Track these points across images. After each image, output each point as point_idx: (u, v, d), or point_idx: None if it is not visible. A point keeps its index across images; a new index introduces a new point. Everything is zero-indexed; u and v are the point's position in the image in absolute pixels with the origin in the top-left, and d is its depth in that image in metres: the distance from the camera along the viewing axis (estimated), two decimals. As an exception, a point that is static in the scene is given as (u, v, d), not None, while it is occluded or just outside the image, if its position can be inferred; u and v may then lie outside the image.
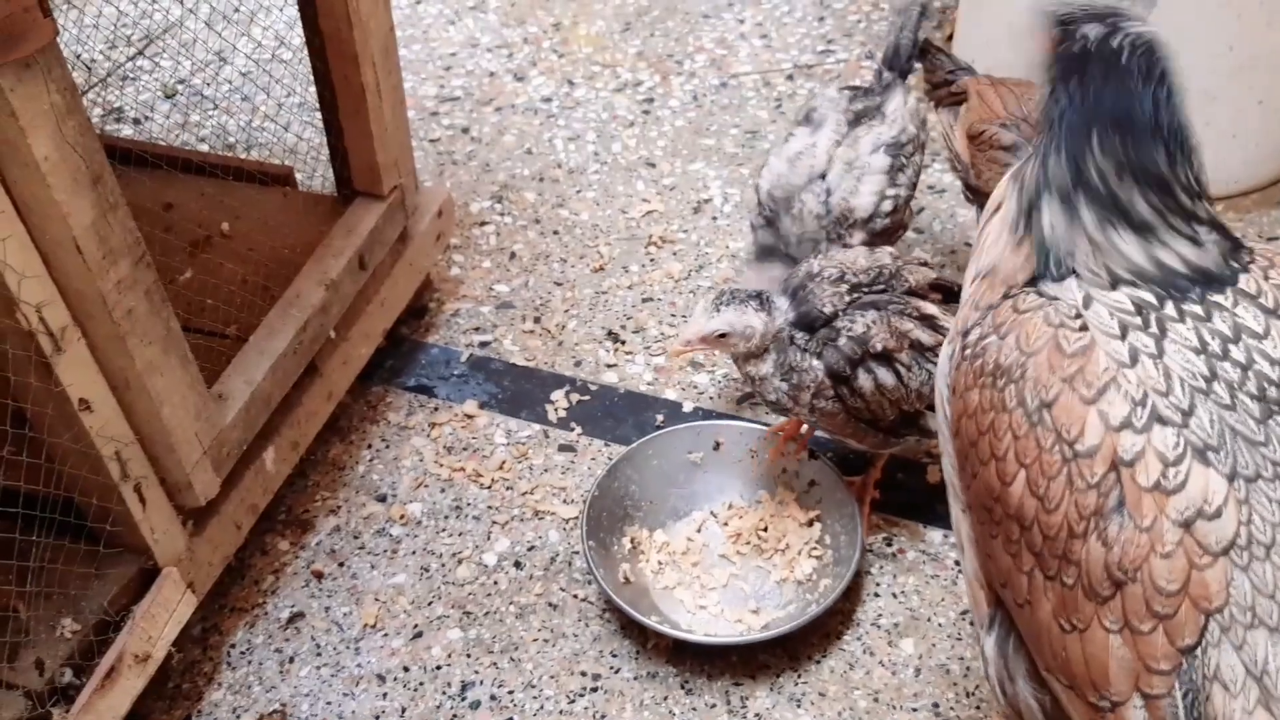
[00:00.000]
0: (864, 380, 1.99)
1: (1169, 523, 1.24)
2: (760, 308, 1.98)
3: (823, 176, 2.30)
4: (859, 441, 2.12)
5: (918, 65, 2.55)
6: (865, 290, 2.04)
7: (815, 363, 1.99)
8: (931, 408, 2.04)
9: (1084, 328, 1.32)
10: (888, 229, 2.33)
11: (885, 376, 1.99)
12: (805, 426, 2.27)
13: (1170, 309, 1.32)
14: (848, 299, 2.01)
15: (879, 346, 1.97)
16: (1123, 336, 1.30)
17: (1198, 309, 1.32)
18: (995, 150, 2.34)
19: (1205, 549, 1.23)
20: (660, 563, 2.18)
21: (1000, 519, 1.38)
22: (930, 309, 2.04)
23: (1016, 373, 1.35)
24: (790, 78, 3.44)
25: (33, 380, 1.58)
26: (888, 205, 2.30)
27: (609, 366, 2.60)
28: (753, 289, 2.02)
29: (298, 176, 2.63)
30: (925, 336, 2.01)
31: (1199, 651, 1.23)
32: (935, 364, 1.97)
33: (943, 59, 2.58)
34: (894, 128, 2.35)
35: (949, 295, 2.10)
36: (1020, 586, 1.37)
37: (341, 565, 2.24)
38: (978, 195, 2.42)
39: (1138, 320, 1.31)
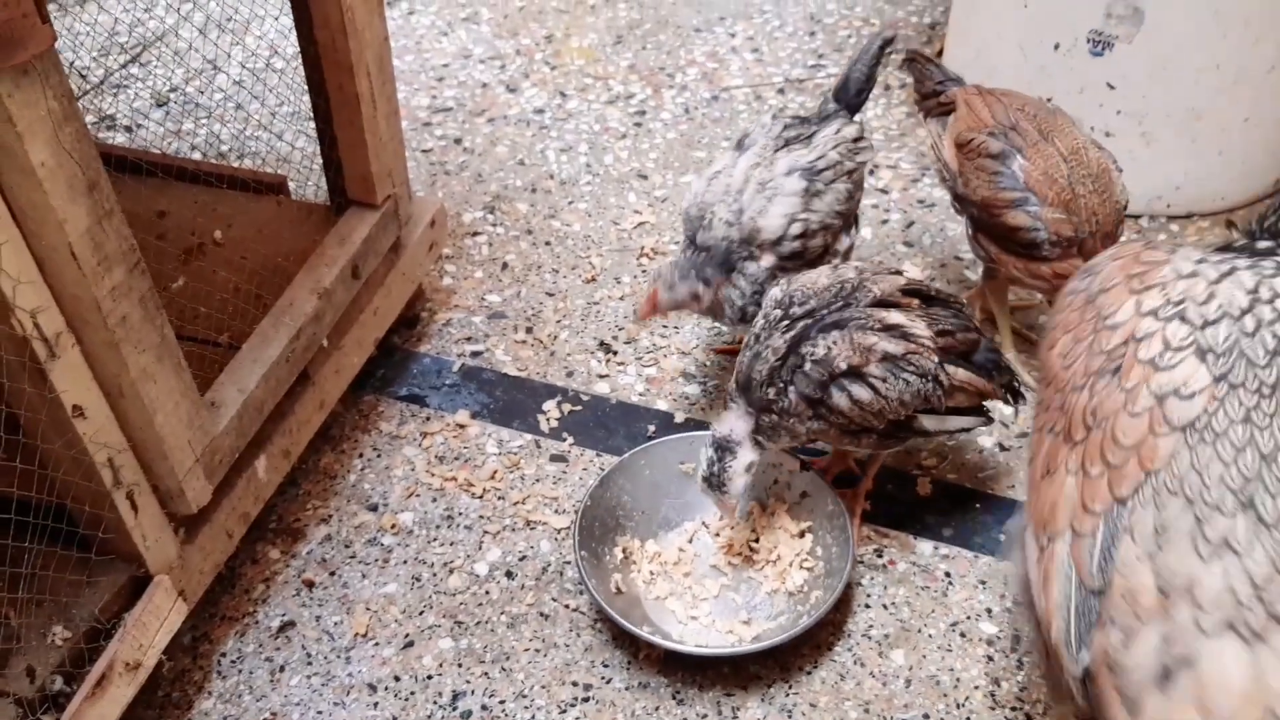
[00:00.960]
0: (839, 399, 2.00)
1: (1147, 391, 1.44)
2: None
3: (740, 194, 2.27)
4: (858, 448, 2.13)
5: (868, 98, 2.52)
6: (825, 311, 2.03)
7: (790, 390, 2.01)
8: (924, 410, 2.05)
9: (1168, 254, 1.57)
10: (799, 253, 2.27)
11: (859, 392, 2.00)
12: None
13: (1244, 262, 1.52)
14: (785, 346, 2.01)
15: (843, 365, 1.98)
16: (1195, 266, 1.53)
17: (1268, 267, 1.50)
18: (983, 159, 2.36)
19: (1167, 421, 1.41)
20: (652, 573, 2.18)
21: (1041, 388, 1.65)
22: (895, 318, 2.02)
23: (1098, 269, 1.63)
24: (781, 91, 3.46)
25: (26, 386, 1.57)
26: (797, 228, 2.25)
27: (601, 377, 2.61)
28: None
29: (291, 185, 2.63)
30: (892, 346, 2.00)
31: (1128, 504, 1.40)
32: (913, 373, 1.99)
33: (932, 69, 2.60)
34: (813, 153, 2.30)
35: (926, 299, 2.11)
36: (1034, 449, 1.61)
37: (332, 574, 2.23)
38: (966, 204, 2.43)
39: (1215, 260, 1.53)
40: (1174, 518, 1.37)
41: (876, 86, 3.42)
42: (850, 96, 2.44)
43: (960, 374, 2.06)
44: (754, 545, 2.22)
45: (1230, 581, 1.33)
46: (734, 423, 2.06)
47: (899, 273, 2.12)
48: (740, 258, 2.25)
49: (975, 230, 2.43)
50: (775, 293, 2.08)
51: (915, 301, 2.07)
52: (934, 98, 2.57)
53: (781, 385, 2.01)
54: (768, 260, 2.24)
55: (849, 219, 2.38)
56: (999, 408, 2.42)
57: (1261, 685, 1.29)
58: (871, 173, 3.13)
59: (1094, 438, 1.46)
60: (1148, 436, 1.41)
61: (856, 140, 2.36)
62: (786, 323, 2.02)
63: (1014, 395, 2.19)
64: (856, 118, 2.45)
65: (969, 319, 2.14)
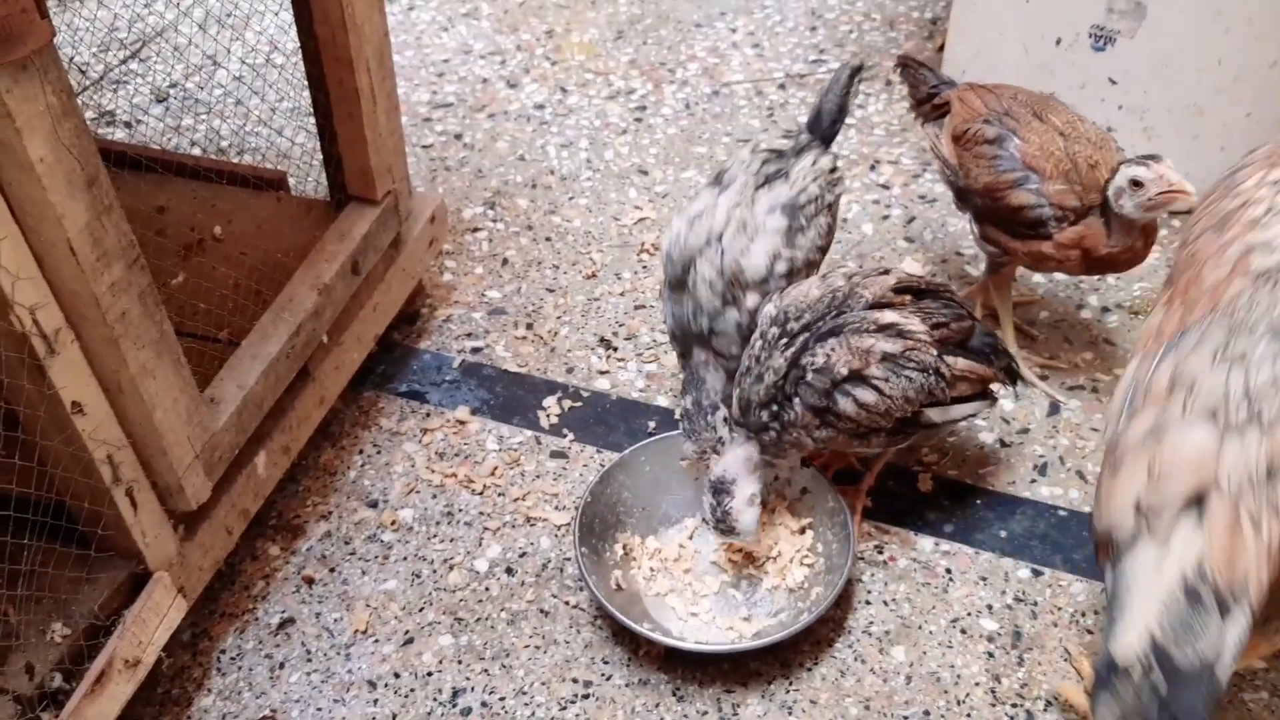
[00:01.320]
0: (844, 404, 2.00)
1: (1240, 244, 1.71)
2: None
3: (720, 238, 2.19)
4: (868, 449, 2.14)
5: (840, 127, 2.44)
6: (820, 323, 2.03)
7: (795, 402, 2.00)
8: (929, 404, 2.05)
9: None
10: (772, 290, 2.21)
11: (864, 395, 2.00)
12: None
13: None
14: (786, 363, 2.01)
15: (844, 371, 1.98)
16: None
17: None
18: (980, 145, 2.37)
19: (1247, 269, 1.66)
20: (652, 569, 2.18)
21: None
22: (889, 317, 2.02)
23: (1247, 160, 1.90)
24: (782, 87, 3.45)
25: (25, 383, 1.57)
26: (782, 267, 2.18)
27: (601, 373, 2.60)
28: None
29: (291, 181, 2.62)
30: (890, 345, 2.00)
31: (1189, 329, 1.66)
32: (914, 369, 1.98)
33: (925, 74, 2.60)
34: (794, 189, 2.24)
35: (919, 293, 2.11)
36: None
37: (332, 571, 2.23)
38: (970, 197, 2.43)
39: None
40: (1210, 334, 1.62)
41: (878, 83, 3.43)
42: (824, 128, 2.38)
43: (960, 364, 2.07)
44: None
45: (1229, 384, 1.56)
46: (728, 459, 2.06)
47: (886, 272, 2.12)
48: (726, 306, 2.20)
49: (982, 222, 2.42)
50: (769, 310, 2.08)
51: (907, 298, 2.08)
52: (929, 102, 2.56)
53: (785, 400, 2.01)
54: (752, 301, 2.17)
55: (826, 252, 2.34)
56: (1003, 399, 2.42)
57: (1206, 463, 1.53)
58: (873, 168, 3.12)
59: (1185, 278, 1.74)
60: (1225, 279, 1.67)
61: (832, 171, 2.32)
62: (785, 340, 2.02)
63: (1012, 377, 2.20)
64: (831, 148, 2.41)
65: (961, 306, 2.15)
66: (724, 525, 2.05)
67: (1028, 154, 2.30)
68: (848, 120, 3.24)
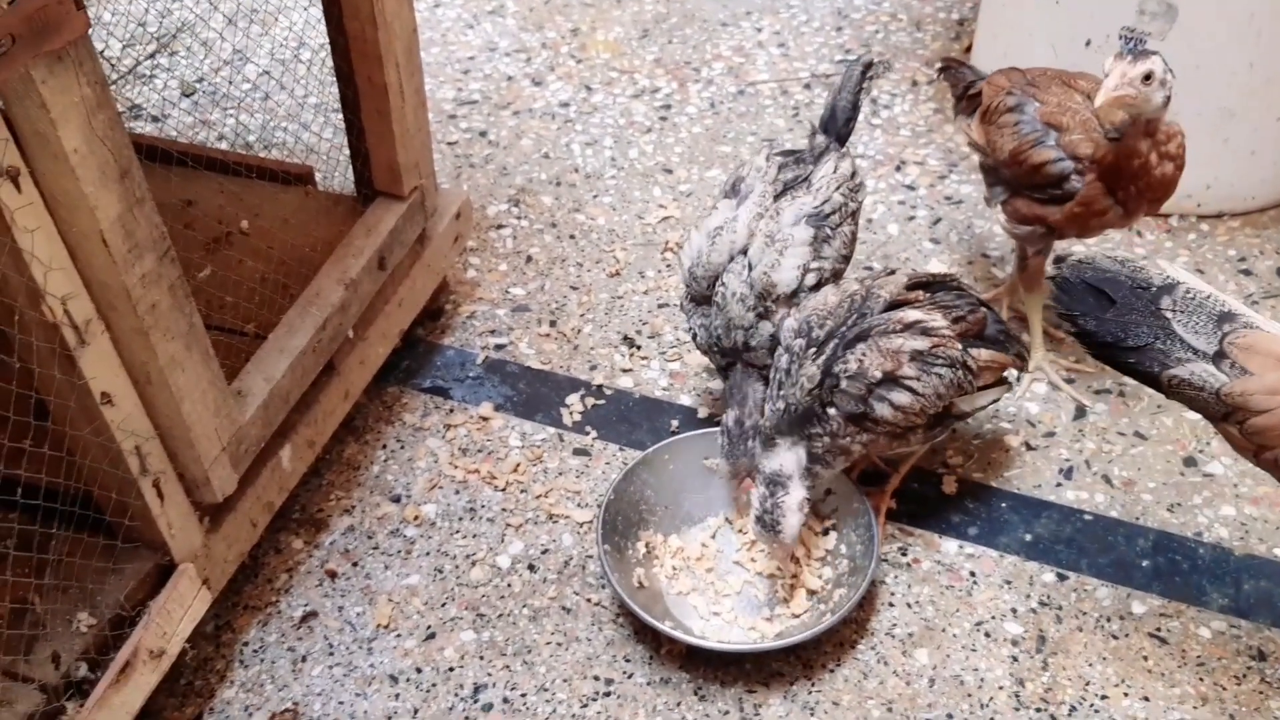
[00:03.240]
0: (881, 409, 1.99)
1: None
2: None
3: (744, 252, 2.19)
4: (907, 446, 2.14)
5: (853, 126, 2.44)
6: (844, 329, 2.02)
7: (832, 412, 2.00)
8: (958, 394, 2.06)
9: None
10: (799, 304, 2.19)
11: (899, 397, 1.99)
12: None
13: None
14: (819, 371, 2.00)
15: (878, 374, 1.98)
16: None
17: None
18: (1003, 115, 2.37)
19: None
20: (675, 568, 2.17)
21: None
22: (912, 315, 2.03)
23: None
24: (808, 86, 3.44)
25: (56, 373, 1.58)
26: (811, 279, 2.18)
27: (624, 371, 2.60)
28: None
29: (318, 176, 2.63)
30: (919, 343, 2.00)
31: None
32: (943, 365, 1.98)
33: (964, 71, 2.60)
34: (818, 197, 2.23)
35: (931, 286, 2.11)
36: None
37: (355, 565, 2.23)
38: (999, 173, 2.42)
39: None
40: None
41: (904, 84, 3.42)
42: (838, 126, 2.37)
43: (984, 354, 2.09)
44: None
45: None
46: (783, 457, 2.02)
47: (894, 272, 2.14)
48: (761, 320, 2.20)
49: (1015, 199, 2.40)
50: (790, 323, 2.08)
51: (921, 294, 2.09)
52: (965, 95, 2.56)
53: (822, 409, 2.00)
54: (783, 314, 2.17)
55: (849, 261, 2.33)
56: (1027, 402, 2.40)
57: None
58: (898, 168, 3.11)
59: None
60: None
61: (853, 177, 2.31)
62: (814, 350, 2.02)
63: (1023, 360, 2.24)
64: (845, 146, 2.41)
65: (971, 295, 2.16)
66: (771, 520, 2.00)
67: (1045, 113, 2.31)
68: (874, 122, 3.25)
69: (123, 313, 1.61)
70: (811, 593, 2.12)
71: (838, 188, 2.26)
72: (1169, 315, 1.78)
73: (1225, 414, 1.74)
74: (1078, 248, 2.75)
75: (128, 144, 1.54)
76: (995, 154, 2.40)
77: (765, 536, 2.04)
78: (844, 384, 1.98)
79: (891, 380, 1.98)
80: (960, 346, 2.04)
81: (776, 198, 2.24)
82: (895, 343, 1.99)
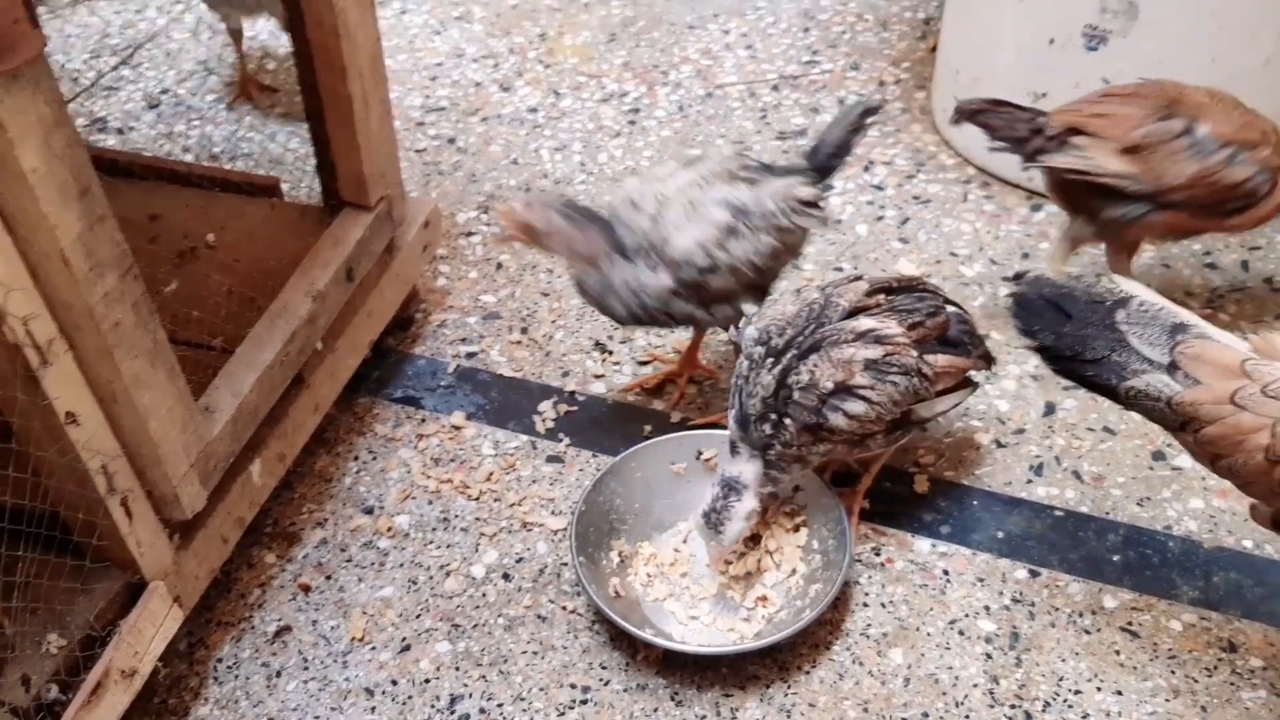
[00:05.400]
0: (835, 418, 2.00)
1: None
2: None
3: (664, 204, 2.18)
4: (867, 452, 2.15)
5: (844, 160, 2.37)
6: (801, 337, 2.03)
7: (788, 422, 2.01)
8: (915, 401, 2.06)
9: None
10: (695, 285, 2.18)
11: (853, 406, 2.00)
12: None
13: None
14: (775, 381, 2.01)
15: (830, 385, 1.98)
16: None
17: None
18: (1169, 143, 2.35)
19: None
20: (649, 575, 2.17)
21: None
22: (865, 324, 2.03)
23: None
24: (775, 88, 3.45)
25: (19, 394, 1.56)
26: (702, 259, 2.15)
27: (596, 377, 2.60)
28: None
29: (284, 187, 2.62)
30: (870, 352, 2.01)
31: None
32: (897, 373, 1.99)
33: (1014, 112, 2.47)
34: (751, 197, 2.19)
35: (893, 290, 2.12)
36: None
37: (329, 578, 2.22)
38: (1163, 199, 2.39)
39: None
40: None
41: (871, 84, 3.43)
42: (820, 160, 2.31)
43: (941, 360, 2.08)
44: (750, 541, 2.20)
45: None
46: (743, 466, 2.05)
47: (859, 278, 2.13)
48: (641, 256, 2.18)
49: (1153, 213, 2.40)
50: (751, 332, 2.09)
51: (881, 298, 2.09)
52: (1036, 136, 2.44)
53: (777, 419, 2.01)
54: (664, 278, 2.16)
55: (764, 283, 2.29)
56: (998, 400, 2.42)
57: None
58: (866, 169, 3.12)
59: None
60: None
61: (806, 203, 2.24)
62: (772, 359, 2.03)
63: (989, 361, 2.23)
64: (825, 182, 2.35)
65: (935, 298, 2.15)
66: (715, 519, 2.04)
67: (1220, 132, 2.34)
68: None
69: (86, 332, 1.60)
70: (762, 601, 2.13)
71: (778, 198, 2.21)
72: (1124, 328, 1.79)
73: (1181, 424, 1.75)
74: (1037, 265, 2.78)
75: (87, 162, 1.53)
76: (1162, 180, 2.37)
77: (706, 534, 2.08)
78: (797, 395, 1.99)
79: (845, 390, 1.99)
80: (916, 354, 2.04)
81: (721, 181, 2.22)
82: (847, 352, 2.00)
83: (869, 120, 2.33)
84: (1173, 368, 1.75)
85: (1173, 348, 1.75)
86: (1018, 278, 2.01)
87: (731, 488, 2.04)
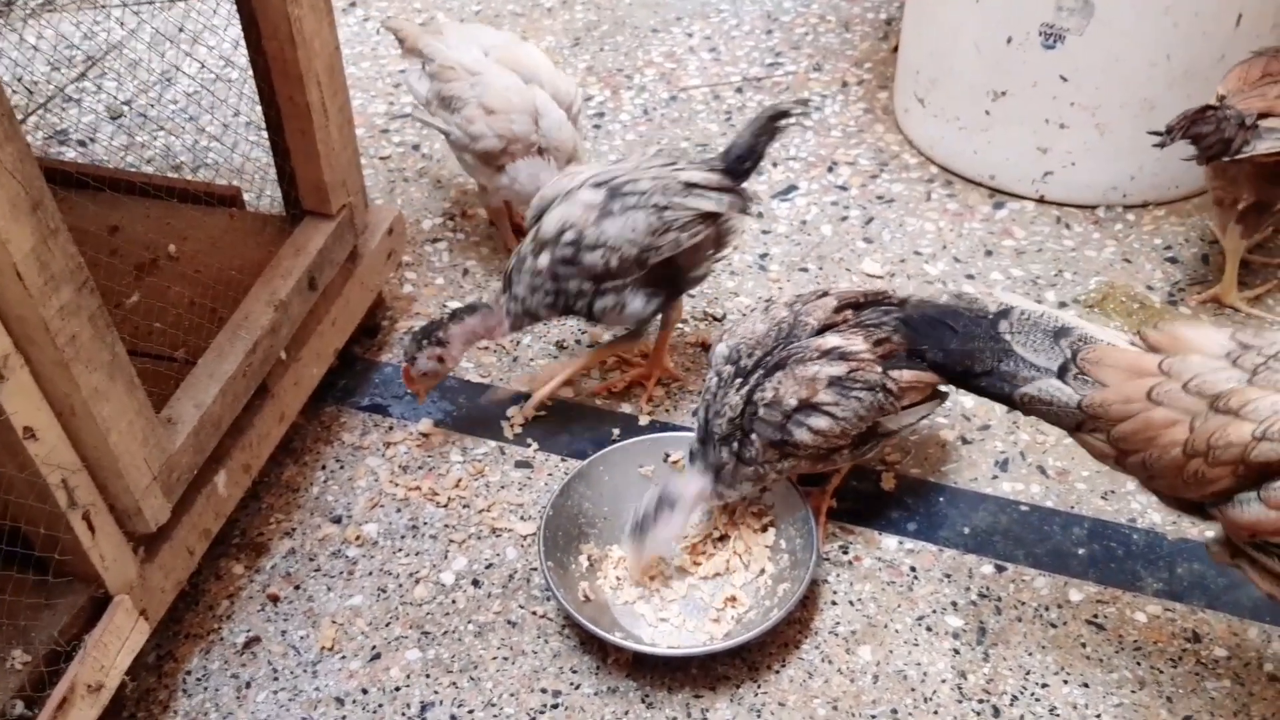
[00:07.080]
0: (800, 434, 2.02)
1: None
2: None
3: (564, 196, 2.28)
4: (835, 466, 2.17)
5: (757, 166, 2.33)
6: (769, 356, 2.05)
7: (754, 438, 2.03)
8: (880, 415, 2.07)
9: None
10: (571, 261, 2.24)
11: (817, 422, 2.02)
12: None
13: None
14: (741, 401, 2.03)
15: (794, 402, 2.00)
16: None
17: None
18: None
19: None
20: (618, 578, 2.17)
21: None
22: (830, 342, 2.05)
23: None
24: (740, 90, 3.46)
25: (-25, 409, 1.55)
26: (570, 235, 2.22)
27: (564, 382, 2.60)
28: None
29: (246, 197, 2.61)
30: (834, 369, 2.02)
31: None
32: (861, 389, 2.00)
33: (1223, 112, 2.38)
34: (633, 179, 2.23)
35: (861, 305, 2.13)
36: None
37: (297, 588, 2.22)
38: None
39: None
40: None
41: (834, 85, 3.44)
42: (730, 162, 2.29)
43: (906, 375, 2.09)
44: (718, 542, 2.21)
45: None
46: (689, 482, 2.08)
47: (826, 294, 2.15)
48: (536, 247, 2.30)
49: None
50: (721, 349, 2.11)
51: (848, 314, 2.10)
52: (1241, 130, 2.37)
53: (743, 436, 2.03)
54: (544, 259, 2.26)
55: (669, 273, 2.29)
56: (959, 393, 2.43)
57: None
58: (830, 169, 3.14)
59: None
60: None
61: (688, 185, 2.22)
62: (740, 379, 2.05)
63: None
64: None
65: (901, 311, 2.15)
66: (642, 530, 2.06)
67: None
68: (806, 124, 3.26)
69: (42, 346, 1.59)
70: (731, 601, 2.13)
71: (654, 177, 2.22)
72: (1009, 338, 1.83)
73: (1079, 424, 1.79)
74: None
75: (38, 176, 1.52)
76: None
77: (629, 537, 2.09)
78: (761, 412, 2.01)
79: (809, 406, 2.01)
80: (880, 369, 2.05)
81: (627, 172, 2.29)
82: (810, 370, 2.02)
83: (780, 124, 2.28)
84: (1064, 370, 1.78)
85: (1074, 353, 1.78)
86: (903, 303, 2.14)
87: (666, 501, 2.06)
